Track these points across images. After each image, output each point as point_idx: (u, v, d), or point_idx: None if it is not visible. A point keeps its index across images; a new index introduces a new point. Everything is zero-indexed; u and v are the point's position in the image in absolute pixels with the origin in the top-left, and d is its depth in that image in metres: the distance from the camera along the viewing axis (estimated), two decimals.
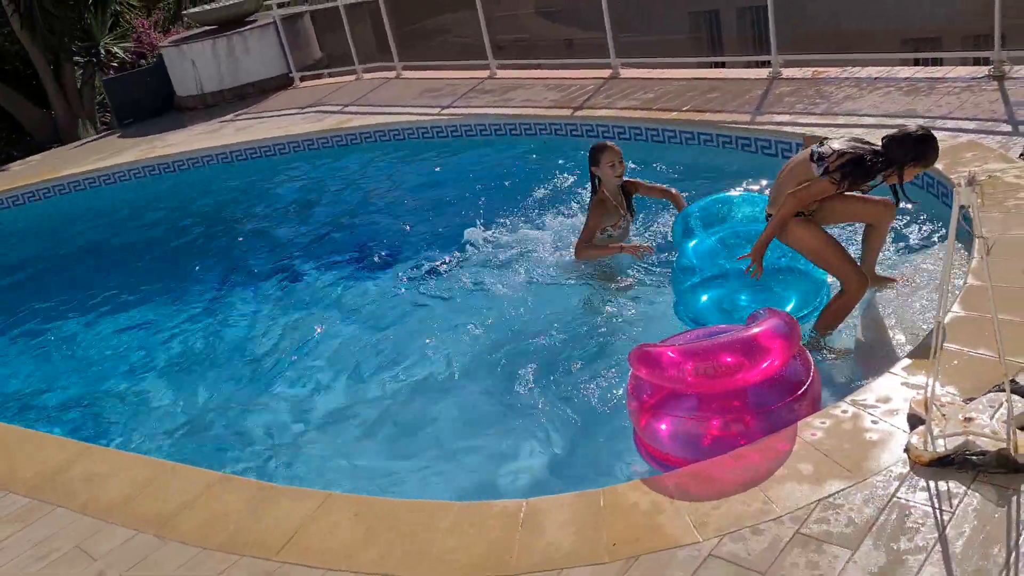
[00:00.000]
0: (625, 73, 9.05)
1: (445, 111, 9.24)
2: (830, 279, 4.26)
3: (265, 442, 4.30)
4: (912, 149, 3.97)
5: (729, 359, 3.16)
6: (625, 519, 2.83)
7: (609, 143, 5.28)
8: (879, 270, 4.49)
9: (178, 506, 3.34)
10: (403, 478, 3.85)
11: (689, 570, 2.58)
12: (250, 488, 3.40)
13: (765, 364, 3.18)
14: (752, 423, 3.16)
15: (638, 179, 5.54)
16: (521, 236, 6.03)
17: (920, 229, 5.05)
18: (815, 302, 4.22)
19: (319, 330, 5.42)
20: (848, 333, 4.18)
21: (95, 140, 12.65)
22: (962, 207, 2.64)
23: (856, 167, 3.98)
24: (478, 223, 6.36)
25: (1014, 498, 2.62)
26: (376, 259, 6.39)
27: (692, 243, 4.48)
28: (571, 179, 6.70)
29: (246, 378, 4.96)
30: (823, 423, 3.11)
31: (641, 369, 3.28)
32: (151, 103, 12.92)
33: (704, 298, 4.29)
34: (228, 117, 11.54)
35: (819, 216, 4.16)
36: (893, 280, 4.42)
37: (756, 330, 3.25)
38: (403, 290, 5.81)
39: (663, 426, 3.29)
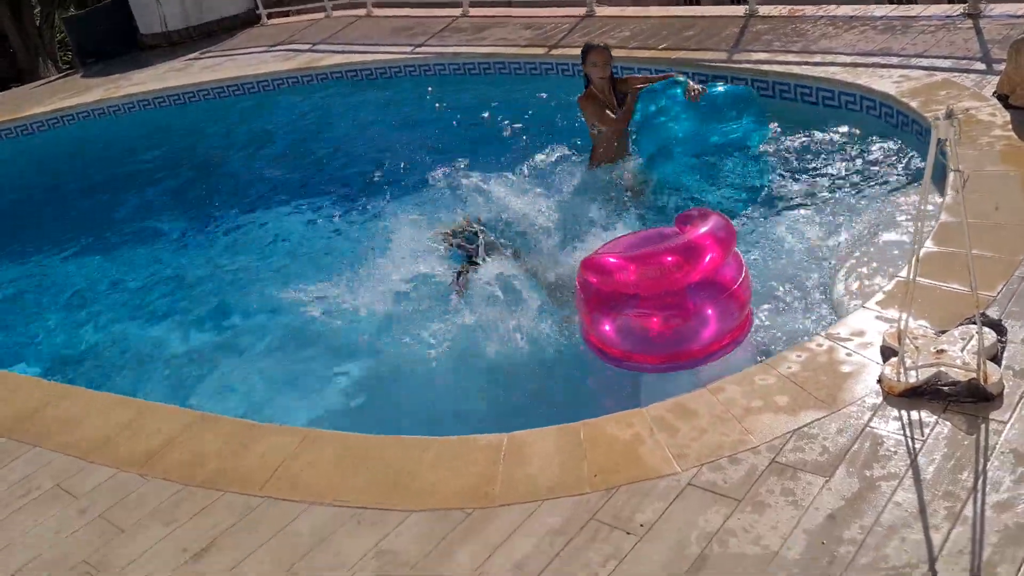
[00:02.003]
0: (600, 11, 8.93)
1: (418, 50, 9.09)
2: None
3: (240, 382, 4.28)
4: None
5: (670, 260, 3.41)
6: (606, 451, 2.88)
7: (598, 44, 5.52)
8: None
9: (159, 445, 3.34)
10: (380, 416, 3.87)
11: (668, 499, 2.63)
12: (230, 426, 3.41)
13: (703, 264, 3.42)
14: (689, 318, 3.44)
15: (632, 76, 5.78)
16: (496, 174, 5.99)
17: (895, 166, 5.08)
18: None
19: (292, 269, 5.37)
20: (823, 268, 4.23)
21: (57, 80, 12.33)
22: (940, 141, 2.66)
23: None
24: (453, 163, 6.31)
25: (983, 426, 2.70)
26: (353, 198, 6.32)
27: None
28: (547, 118, 6.65)
29: (221, 318, 4.92)
30: (799, 356, 3.17)
31: (590, 276, 3.53)
32: (114, 42, 12.55)
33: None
34: (194, 55, 11.26)
35: None
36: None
37: (694, 233, 3.49)
38: (377, 227, 5.76)
39: (607, 325, 3.53)
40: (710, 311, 3.46)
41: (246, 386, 4.24)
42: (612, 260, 3.52)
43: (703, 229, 3.50)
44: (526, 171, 5.90)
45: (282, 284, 5.20)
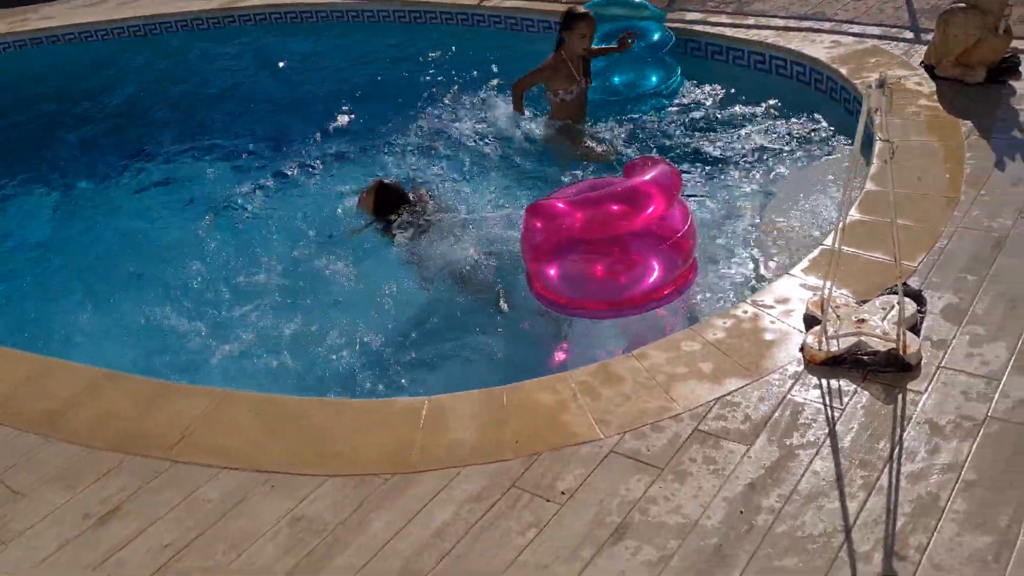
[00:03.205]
0: None
1: None
2: None
3: (151, 338, 4.09)
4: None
5: (615, 208, 3.41)
6: (529, 416, 2.83)
7: (588, 12, 5.30)
8: None
9: (63, 404, 3.17)
10: (300, 377, 3.75)
11: (590, 466, 2.61)
12: (139, 385, 3.25)
13: (648, 211, 3.42)
14: (633, 265, 3.47)
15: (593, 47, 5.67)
16: (421, 128, 5.87)
17: (822, 133, 5.12)
18: (671, 79, 5.83)
19: (206, 225, 5.13)
20: (749, 235, 4.24)
21: None
22: (870, 110, 2.64)
23: None
24: (376, 118, 6.13)
25: (900, 396, 2.74)
26: (273, 152, 6.08)
27: None
28: (476, 74, 6.49)
29: (127, 271, 4.67)
30: (724, 323, 3.17)
31: (536, 221, 3.50)
32: None
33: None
34: None
35: None
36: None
37: (640, 180, 3.48)
38: (296, 181, 5.56)
39: (552, 270, 3.53)
40: (654, 259, 3.48)
41: (156, 343, 4.05)
42: (557, 205, 3.51)
43: (648, 176, 3.50)
44: (463, 135, 5.75)
45: (194, 240, 4.96)
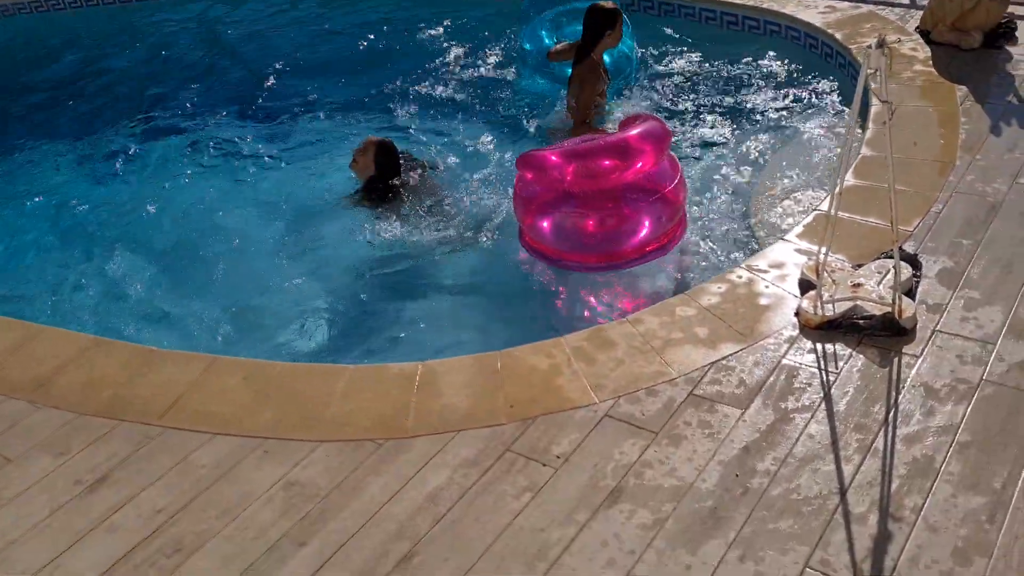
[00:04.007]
0: None
1: None
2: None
3: (139, 305, 4.04)
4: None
5: (605, 161, 3.43)
6: (523, 381, 2.82)
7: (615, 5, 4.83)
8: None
9: (50, 371, 3.14)
10: (292, 343, 3.72)
11: (585, 430, 2.60)
12: (128, 352, 3.21)
13: (638, 165, 3.44)
14: (625, 217, 3.48)
15: None
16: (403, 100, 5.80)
17: (818, 97, 5.07)
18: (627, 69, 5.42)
19: (197, 189, 5.05)
20: (745, 200, 4.21)
21: None
22: (870, 71, 2.61)
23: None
24: (373, 86, 6.05)
25: (896, 359, 2.74)
26: (262, 116, 5.97)
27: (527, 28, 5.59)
28: (475, 40, 6.40)
29: (113, 238, 4.60)
30: (719, 288, 3.15)
31: (527, 172, 3.50)
32: None
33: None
34: None
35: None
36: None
37: (630, 133, 3.49)
38: (288, 147, 5.48)
39: (545, 223, 3.54)
40: (644, 213, 3.47)
41: (143, 310, 4.00)
42: (549, 156, 3.49)
43: (638, 130, 3.49)
44: (460, 102, 5.64)
45: (183, 206, 4.90)
